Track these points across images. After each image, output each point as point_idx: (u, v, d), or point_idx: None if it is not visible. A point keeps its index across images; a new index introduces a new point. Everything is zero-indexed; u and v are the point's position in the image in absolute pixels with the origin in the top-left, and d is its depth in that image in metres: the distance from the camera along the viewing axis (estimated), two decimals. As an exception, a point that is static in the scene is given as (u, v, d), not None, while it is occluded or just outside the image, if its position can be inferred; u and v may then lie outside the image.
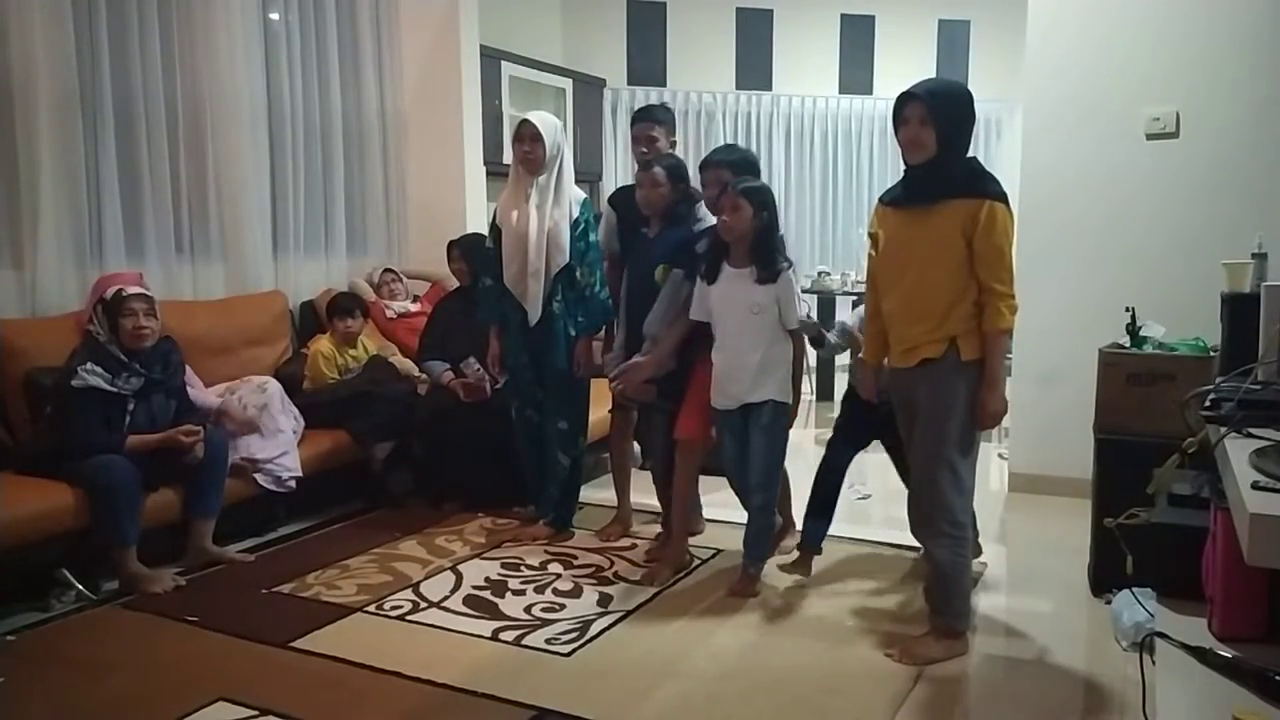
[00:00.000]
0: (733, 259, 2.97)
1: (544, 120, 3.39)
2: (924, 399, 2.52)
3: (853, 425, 3.12)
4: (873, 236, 2.71)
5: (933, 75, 7.06)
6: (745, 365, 2.94)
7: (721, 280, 2.97)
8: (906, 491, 2.76)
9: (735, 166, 3.11)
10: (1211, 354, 2.97)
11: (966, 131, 2.51)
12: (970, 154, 2.55)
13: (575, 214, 3.40)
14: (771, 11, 7.14)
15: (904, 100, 2.50)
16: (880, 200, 2.70)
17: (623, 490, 3.65)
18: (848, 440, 3.13)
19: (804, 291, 3.92)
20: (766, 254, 2.93)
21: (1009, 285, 2.46)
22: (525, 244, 3.35)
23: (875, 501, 3.94)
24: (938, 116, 2.43)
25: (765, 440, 2.95)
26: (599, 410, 3.72)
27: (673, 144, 3.50)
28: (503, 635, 2.76)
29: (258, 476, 3.46)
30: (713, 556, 3.30)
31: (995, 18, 6.93)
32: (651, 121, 3.45)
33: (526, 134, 3.35)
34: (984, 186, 2.47)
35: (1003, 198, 2.45)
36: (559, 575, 3.21)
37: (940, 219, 2.47)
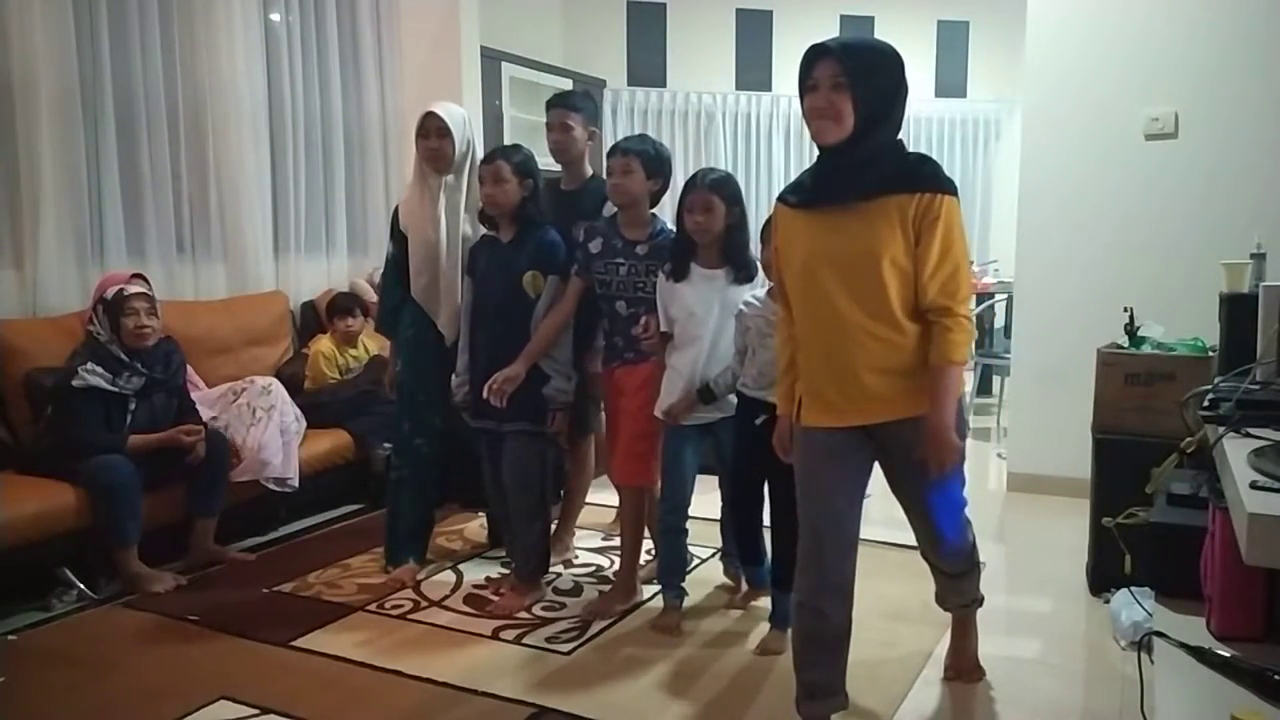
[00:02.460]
0: (703, 259, 2.68)
1: (451, 113, 3.07)
2: (908, 452, 2.00)
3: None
4: (777, 251, 2.09)
5: (931, 76, 7.08)
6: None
7: (695, 280, 2.68)
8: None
9: (646, 159, 2.78)
10: (1210, 354, 2.98)
11: (898, 105, 1.92)
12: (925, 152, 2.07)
13: None
14: (771, 12, 7.15)
15: (812, 57, 1.88)
16: (781, 200, 2.06)
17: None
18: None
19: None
20: (739, 253, 2.69)
21: (965, 305, 1.93)
22: (436, 253, 3.05)
23: (875, 501, 3.96)
24: (857, 79, 1.85)
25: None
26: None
27: (591, 135, 3.17)
28: (503, 634, 2.77)
29: (261, 478, 3.47)
30: (713, 556, 3.31)
31: (994, 18, 6.94)
32: (565, 109, 3.12)
33: (432, 128, 3.02)
34: (930, 175, 1.91)
35: (955, 191, 1.91)
36: (559, 575, 3.22)
37: (871, 225, 1.89)
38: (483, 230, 3.04)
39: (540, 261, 2.90)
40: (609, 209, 2.95)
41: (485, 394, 2.82)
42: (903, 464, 2.06)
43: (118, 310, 3.14)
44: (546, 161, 3.14)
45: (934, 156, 2.05)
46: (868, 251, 1.89)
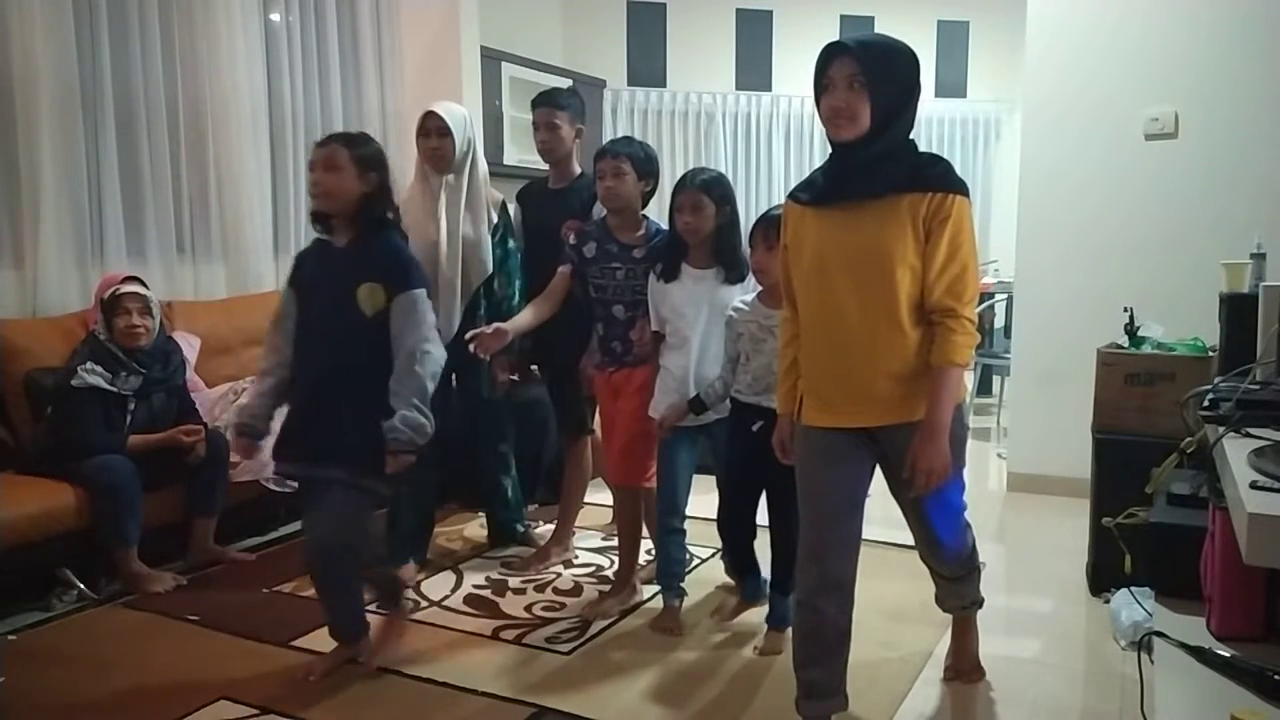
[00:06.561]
0: (693, 259, 2.69)
1: (452, 112, 3.05)
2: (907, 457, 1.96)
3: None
4: (786, 249, 2.07)
5: (932, 76, 7.08)
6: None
7: (685, 280, 2.69)
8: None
9: (636, 160, 2.79)
10: (1210, 354, 2.98)
11: (912, 104, 1.92)
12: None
13: (494, 218, 3.12)
14: (771, 12, 7.15)
15: (829, 56, 1.88)
16: (793, 197, 2.06)
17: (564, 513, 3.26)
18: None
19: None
20: (731, 253, 2.68)
21: (970, 307, 1.91)
22: (436, 252, 3.03)
23: (875, 501, 3.96)
24: (874, 79, 1.84)
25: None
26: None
27: (579, 133, 3.17)
28: (503, 634, 2.77)
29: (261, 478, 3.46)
30: (713, 555, 3.31)
31: (994, 18, 6.94)
32: (553, 107, 3.11)
33: (433, 128, 3.02)
34: (942, 175, 1.91)
35: (966, 191, 1.92)
36: (559, 574, 3.22)
37: (883, 223, 1.89)
38: (484, 231, 3.01)
39: (380, 273, 2.38)
40: (598, 210, 2.94)
41: (466, 337, 2.76)
42: (902, 469, 2.06)
43: (111, 310, 3.14)
44: (536, 160, 3.14)
45: (934, 156, 2.05)
46: (879, 249, 1.88)
